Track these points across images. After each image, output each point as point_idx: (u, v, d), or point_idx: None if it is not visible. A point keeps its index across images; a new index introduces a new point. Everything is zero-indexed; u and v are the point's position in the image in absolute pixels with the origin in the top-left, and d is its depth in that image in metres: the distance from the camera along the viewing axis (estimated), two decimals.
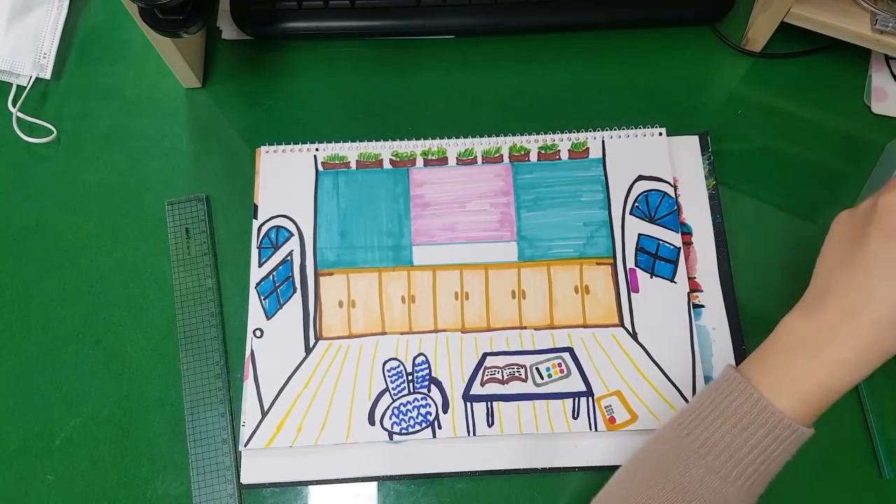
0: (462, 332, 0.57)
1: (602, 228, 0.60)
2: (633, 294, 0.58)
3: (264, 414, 0.55)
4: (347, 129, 0.64)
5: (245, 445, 0.54)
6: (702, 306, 0.58)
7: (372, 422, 0.55)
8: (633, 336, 0.57)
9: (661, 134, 0.62)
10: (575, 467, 0.54)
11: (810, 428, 0.42)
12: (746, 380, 0.42)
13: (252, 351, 0.57)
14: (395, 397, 0.55)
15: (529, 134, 0.62)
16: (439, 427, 0.55)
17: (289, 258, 0.59)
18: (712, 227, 0.60)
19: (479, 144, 0.62)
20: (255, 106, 0.65)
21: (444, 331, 0.57)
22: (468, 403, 0.55)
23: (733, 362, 0.56)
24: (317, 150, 0.62)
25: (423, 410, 0.55)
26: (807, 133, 0.63)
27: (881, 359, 0.41)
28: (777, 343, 0.44)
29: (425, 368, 0.56)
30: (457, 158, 0.62)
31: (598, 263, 0.59)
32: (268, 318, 0.58)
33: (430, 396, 0.55)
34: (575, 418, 0.55)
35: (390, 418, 0.55)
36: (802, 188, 0.61)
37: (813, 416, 0.42)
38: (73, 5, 0.69)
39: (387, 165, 0.62)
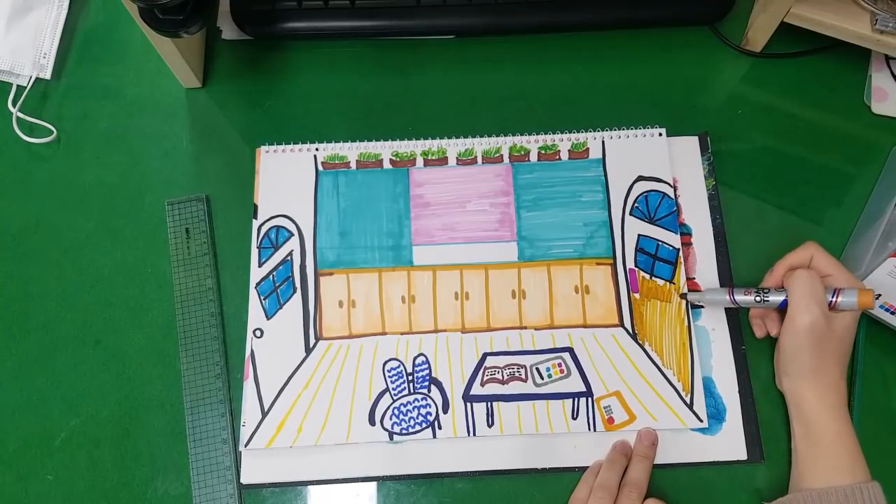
0: (462, 332, 0.57)
1: (602, 229, 0.60)
2: (633, 294, 0.58)
3: (264, 414, 0.55)
4: (347, 129, 0.64)
5: (245, 445, 0.54)
6: (701, 307, 0.58)
7: (372, 422, 0.55)
8: (633, 336, 0.57)
9: (660, 134, 0.62)
10: (574, 467, 0.54)
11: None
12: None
13: (252, 351, 0.57)
14: (395, 397, 0.55)
15: (529, 134, 0.62)
16: (439, 427, 0.55)
17: (289, 258, 0.59)
18: (712, 228, 0.60)
19: (479, 144, 0.62)
20: (255, 106, 0.65)
21: (444, 331, 0.57)
22: (468, 404, 0.55)
23: (732, 363, 0.56)
24: (317, 150, 0.62)
25: (423, 411, 0.55)
26: (807, 133, 0.63)
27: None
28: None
29: (425, 368, 0.56)
30: (457, 158, 0.62)
31: (597, 264, 0.59)
32: (268, 318, 0.58)
33: (430, 397, 0.55)
34: (574, 418, 0.55)
35: (390, 418, 0.55)
36: (802, 188, 0.61)
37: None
38: (73, 5, 0.69)
39: (387, 165, 0.62)
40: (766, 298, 0.53)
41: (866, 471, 0.49)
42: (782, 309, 0.53)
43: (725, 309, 0.57)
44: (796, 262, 0.54)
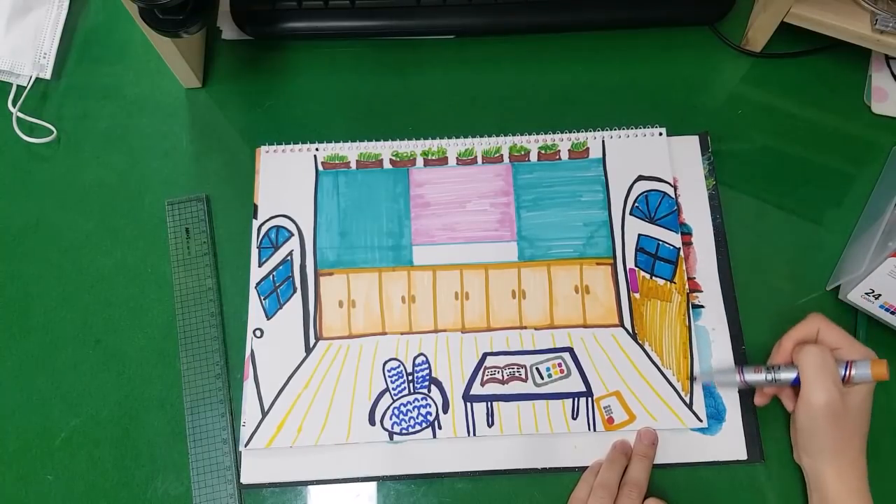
0: (462, 332, 0.57)
1: (602, 228, 0.60)
2: (633, 294, 0.58)
3: (264, 414, 0.55)
4: (347, 129, 0.64)
5: (245, 445, 0.54)
6: (701, 307, 0.58)
7: (372, 422, 0.55)
8: (633, 336, 0.57)
9: (661, 134, 0.62)
10: (574, 467, 0.54)
11: None
12: None
13: (252, 351, 0.57)
14: (395, 397, 0.55)
15: (529, 134, 0.62)
16: (439, 427, 0.55)
17: (289, 258, 0.59)
18: (712, 228, 0.60)
19: (479, 144, 0.62)
20: (255, 106, 0.65)
21: (444, 331, 0.57)
22: (468, 403, 0.55)
23: (732, 363, 0.56)
24: (317, 150, 0.62)
25: (423, 410, 0.55)
26: (807, 133, 0.63)
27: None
28: None
29: (425, 368, 0.56)
30: (457, 158, 0.62)
31: (598, 263, 0.59)
32: (268, 318, 0.58)
33: (430, 396, 0.55)
34: (574, 418, 0.55)
35: (390, 418, 0.55)
36: (802, 188, 0.61)
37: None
38: (73, 5, 0.69)
39: (387, 165, 0.62)
40: (777, 377, 0.51)
41: None
42: (795, 385, 0.51)
43: (725, 309, 0.57)
44: (803, 336, 0.52)
